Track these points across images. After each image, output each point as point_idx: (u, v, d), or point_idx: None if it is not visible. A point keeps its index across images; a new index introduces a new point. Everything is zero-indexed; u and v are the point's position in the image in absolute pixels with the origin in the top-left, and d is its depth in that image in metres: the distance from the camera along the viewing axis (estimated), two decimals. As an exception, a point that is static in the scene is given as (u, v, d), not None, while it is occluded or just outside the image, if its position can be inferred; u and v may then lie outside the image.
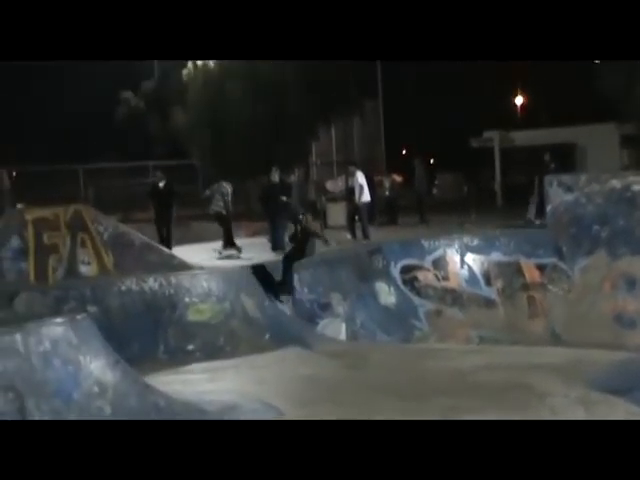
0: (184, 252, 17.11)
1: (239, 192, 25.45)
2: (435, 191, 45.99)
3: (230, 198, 19.34)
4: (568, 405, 6.98)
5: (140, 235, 15.17)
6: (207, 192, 19.79)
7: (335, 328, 14.78)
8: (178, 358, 11.14)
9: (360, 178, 20.02)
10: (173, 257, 15.44)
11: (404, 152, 60.75)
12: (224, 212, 19.09)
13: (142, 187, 30.18)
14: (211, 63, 32.79)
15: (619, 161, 36.05)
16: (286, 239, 17.79)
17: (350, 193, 20.12)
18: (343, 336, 14.73)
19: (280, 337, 12.42)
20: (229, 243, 18.96)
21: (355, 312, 15.41)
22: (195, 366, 10.63)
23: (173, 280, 12.62)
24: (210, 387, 8.81)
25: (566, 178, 18.87)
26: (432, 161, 65.97)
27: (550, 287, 17.60)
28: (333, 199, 25.45)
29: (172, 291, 12.42)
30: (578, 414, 6.74)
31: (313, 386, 8.59)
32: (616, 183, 17.76)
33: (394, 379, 8.60)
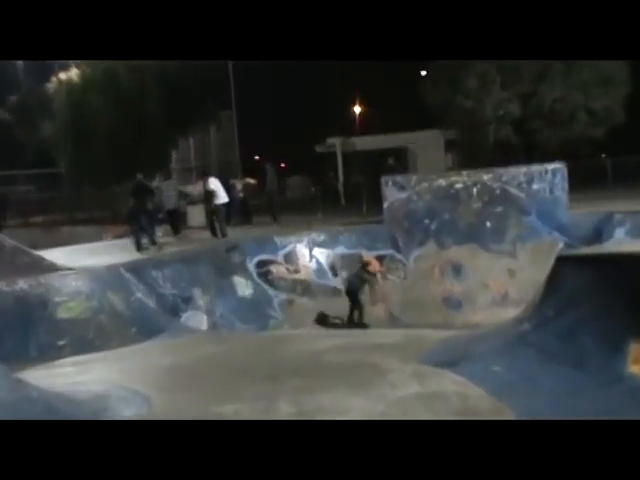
0: (63, 254, 16.49)
1: (105, 197, 24.85)
2: (286, 192, 46.24)
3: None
4: (404, 379, 7.17)
5: (9, 239, 14.53)
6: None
7: (197, 320, 14.65)
8: (49, 354, 10.76)
9: (212, 184, 19.93)
10: (43, 259, 14.87)
11: (257, 157, 60.75)
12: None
13: (12, 195, 28.96)
14: (74, 75, 31.77)
15: (444, 163, 37.26)
16: (145, 240, 17.61)
17: (207, 197, 20.00)
18: (205, 326, 14.61)
19: (146, 330, 12.21)
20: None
21: (215, 304, 15.33)
22: (66, 360, 10.30)
23: (43, 280, 12.19)
24: (80, 379, 8.55)
25: (399, 178, 19.39)
26: (283, 165, 66.29)
27: (388, 275, 18.04)
28: (192, 202, 25.17)
29: (42, 291, 11.99)
30: (413, 386, 6.94)
31: (177, 374, 8.48)
32: (442, 182, 18.40)
33: (251, 364, 8.59)
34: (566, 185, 18.07)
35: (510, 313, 9.86)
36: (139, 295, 13.63)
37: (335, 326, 16.03)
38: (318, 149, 42.89)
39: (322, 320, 16.40)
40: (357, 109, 56.87)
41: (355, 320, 15.90)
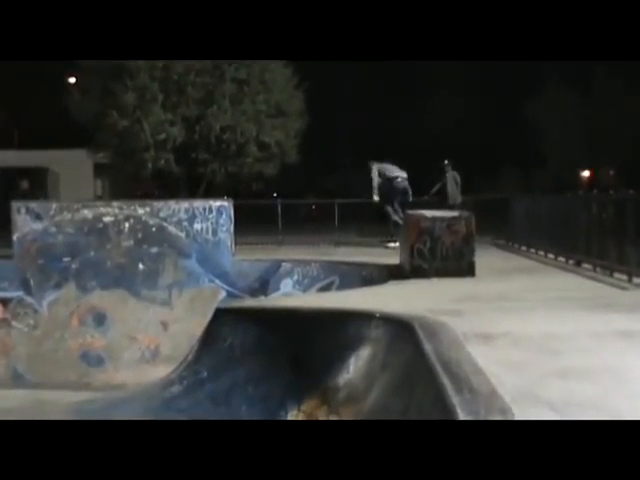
0: None
1: None
2: None
3: None
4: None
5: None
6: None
7: None
8: None
9: None
10: None
11: None
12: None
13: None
14: None
15: (93, 190, 36.97)
16: None
17: None
18: None
19: None
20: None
21: None
22: None
23: None
24: None
25: (35, 205, 18.79)
26: None
27: (15, 323, 17.36)
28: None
29: None
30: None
31: None
32: (88, 213, 18.17)
33: None
34: (232, 226, 18.74)
35: (161, 372, 9.99)
36: None
37: None
38: None
39: None
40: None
41: None
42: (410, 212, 15.04)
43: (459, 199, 21.46)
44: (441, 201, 20.89)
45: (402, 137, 46.01)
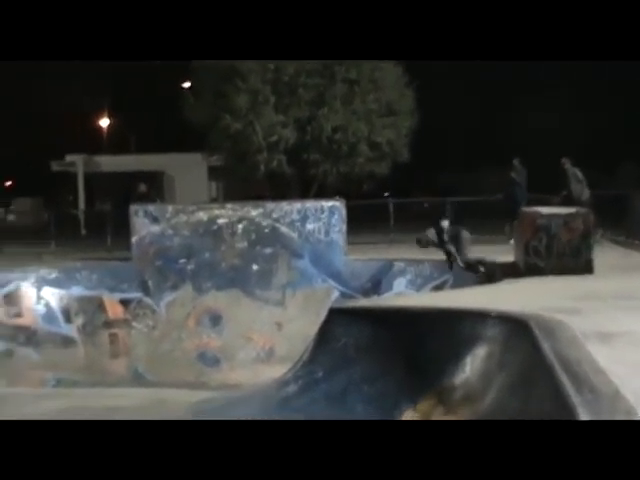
0: None
1: None
2: (10, 217, 44.47)
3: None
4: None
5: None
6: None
7: None
8: None
9: None
10: None
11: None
12: None
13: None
14: None
15: (207, 193, 37.57)
16: None
17: None
18: None
19: None
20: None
21: None
22: None
23: None
24: None
25: (152, 208, 19.23)
26: (8, 183, 63.81)
27: (134, 324, 17.79)
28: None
29: None
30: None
31: None
32: (203, 215, 18.50)
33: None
34: (344, 226, 18.79)
35: (276, 372, 10.06)
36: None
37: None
38: (54, 167, 41.74)
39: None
40: (104, 122, 55.58)
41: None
42: (525, 209, 14.77)
43: (585, 194, 20.76)
44: (566, 201, 20.25)
45: (514, 135, 45.29)
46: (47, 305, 17.49)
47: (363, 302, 13.63)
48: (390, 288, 17.75)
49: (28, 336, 16.92)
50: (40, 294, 17.50)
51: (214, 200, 35.56)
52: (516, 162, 21.72)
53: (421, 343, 7.64)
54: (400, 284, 17.80)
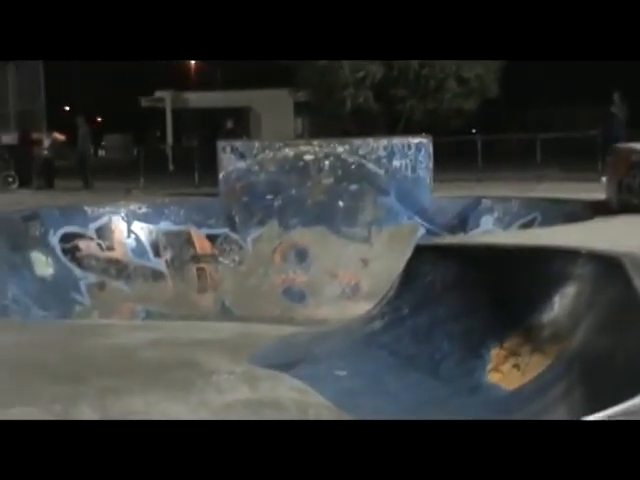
0: None
1: None
2: (101, 153, 45.25)
3: None
4: (233, 382, 7.18)
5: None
6: None
7: (-18, 304, 14.10)
8: None
9: None
10: None
11: (67, 108, 59.02)
12: None
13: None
14: None
15: (293, 129, 37.57)
16: None
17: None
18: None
19: None
20: None
21: (7, 285, 14.78)
22: None
23: None
24: None
25: (239, 144, 19.34)
26: (99, 119, 64.77)
27: (221, 259, 18.02)
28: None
29: None
30: (243, 391, 6.96)
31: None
32: (289, 151, 18.53)
33: (48, 360, 8.34)
34: (431, 163, 18.62)
35: (361, 308, 10.08)
36: None
37: None
38: (143, 103, 42.19)
39: None
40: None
41: None
42: (619, 145, 14.38)
43: None
44: None
45: (612, 66, 44.10)
46: (137, 239, 17.81)
47: (450, 239, 13.54)
48: (477, 225, 17.57)
49: (119, 269, 17.28)
50: (130, 228, 17.83)
51: (300, 136, 35.56)
52: (616, 96, 21.06)
53: (508, 281, 7.54)
54: (487, 221, 17.60)
